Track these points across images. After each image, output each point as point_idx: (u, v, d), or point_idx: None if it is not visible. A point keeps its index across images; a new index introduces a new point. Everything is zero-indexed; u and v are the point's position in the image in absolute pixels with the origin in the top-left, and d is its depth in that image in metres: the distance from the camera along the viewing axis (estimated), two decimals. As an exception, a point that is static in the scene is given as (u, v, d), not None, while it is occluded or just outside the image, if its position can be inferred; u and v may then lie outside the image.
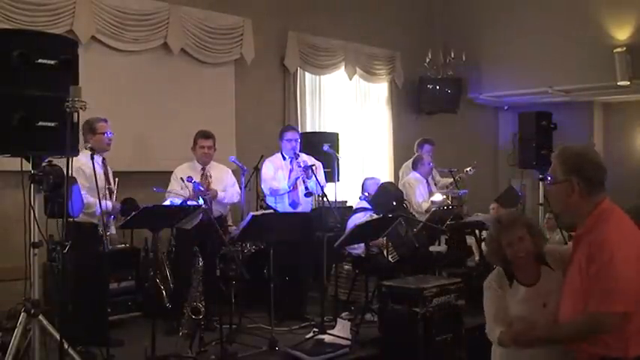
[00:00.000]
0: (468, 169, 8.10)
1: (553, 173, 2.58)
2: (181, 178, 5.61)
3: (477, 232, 6.68)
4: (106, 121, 5.19)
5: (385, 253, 6.19)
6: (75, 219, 4.79)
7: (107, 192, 5.16)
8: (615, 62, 8.59)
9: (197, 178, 5.66)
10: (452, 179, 7.96)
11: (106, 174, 5.21)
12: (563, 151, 2.59)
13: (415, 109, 10.01)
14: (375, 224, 5.82)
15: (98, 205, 4.77)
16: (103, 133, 5.14)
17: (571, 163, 2.52)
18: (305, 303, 6.19)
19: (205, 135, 5.86)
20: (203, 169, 5.84)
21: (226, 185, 5.93)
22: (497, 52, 9.84)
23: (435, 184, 7.80)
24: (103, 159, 5.23)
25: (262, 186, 6.37)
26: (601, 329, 2.45)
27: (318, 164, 6.31)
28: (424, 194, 7.26)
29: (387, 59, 9.44)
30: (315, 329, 5.47)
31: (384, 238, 6.07)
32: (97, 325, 4.93)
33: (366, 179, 6.93)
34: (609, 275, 2.38)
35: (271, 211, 6.10)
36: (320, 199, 6.17)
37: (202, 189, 5.58)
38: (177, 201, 5.55)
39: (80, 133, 4.91)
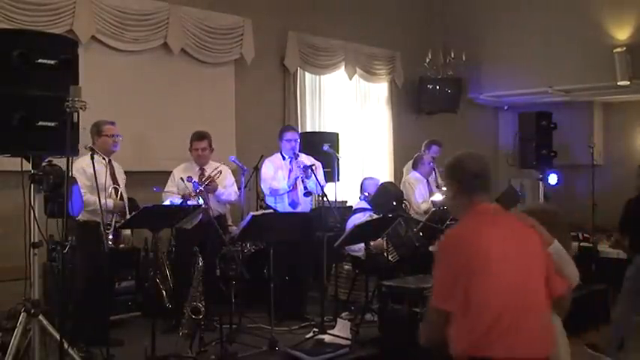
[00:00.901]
0: None
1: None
2: (181, 178, 5.63)
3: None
4: (113, 123, 5.23)
5: (385, 253, 6.19)
6: (80, 218, 4.85)
7: (113, 191, 5.18)
8: (615, 62, 8.58)
9: (195, 179, 5.66)
10: None
11: (112, 174, 5.23)
12: (449, 159, 2.82)
13: (415, 109, 10.01)
14: (375, 224, 5.82)
15: (98, 204, 4.79)
16: (108, 135, 5.17)
17: (448, 169, 2.78)
18: (305, 303, 6.19)
19: (199, 137, 5.86)
20: (201, 169, 5.85)
21: (225, 184, 5.93)
22: (497, 52, 9.84)
23: (438, 186, 7.75)
24: (110, 160, 5.24)
25: (262, 186, 6.38)
26: (430, 321, 2.63)
27: (318, 164, 6.31)
28: (424, 194, 7.26)
29: (387, 59, 9.44)
30: (315, 329, 5.47)
31: (384, 240, 6.07)
32: (98, 324, 4.94)
33: (365, 179, 6.93)
34: (434, 270, 2.60)
35: (271, 211, 6.10)
36: (320, 199, 6.18)
37: (202, 188, 5.58)
38: (178, 201, 5.56)
39: (88, 134, 5.00)
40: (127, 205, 5.41)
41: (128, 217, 5.27)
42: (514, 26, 9.59)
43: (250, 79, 7.81)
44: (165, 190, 5.80)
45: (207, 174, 5.78)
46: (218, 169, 5.80)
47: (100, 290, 5.03)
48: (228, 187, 5.94)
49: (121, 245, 5.26)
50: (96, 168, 4.71)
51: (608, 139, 10.44)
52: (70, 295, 4.55)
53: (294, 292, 6.13)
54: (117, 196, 5.21)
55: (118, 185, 5.27)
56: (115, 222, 5.07)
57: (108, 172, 5.16)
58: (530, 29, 9.37)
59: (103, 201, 4.81)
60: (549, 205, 3.06)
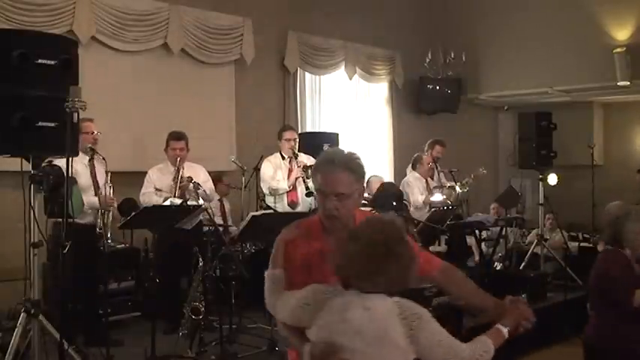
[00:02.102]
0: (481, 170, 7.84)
1: None
2: (190, 183, 5.63)
3: (476, 232, 6.69)
4: (91, 120, 5.17)
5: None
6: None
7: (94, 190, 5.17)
8: (615, 62, 8.59)
9: (169, 180, 5.67)
10: (465, 180, 7.81)
11: (92, 172, 5.20)
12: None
13: (415, 109, 10.01)
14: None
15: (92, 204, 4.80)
16: (87, 133, 5.12)
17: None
18: (305, 303, 6.17)
19: (177, 137, 5.81)
20: (177, 170, 5.81)
21: (200, 182, 5.89)
22: (497, 52, 9.84)
23: (441, 186, 7.70)
24: (90, 158, 5.20)
25: (262, 186, 6.38)
26: None
27: (318, 164, 6.30)
28: (423, 194, 7.25)
29: (387, 59, 9.43)
30: (315, 329, 5.46)
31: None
32: (90, 324, 4.93)
33: (371, 177, 6.93)
34: None
35: (271, 211, 6.10)
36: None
37: (204, 191, 5.60)
38: (177, 201, 5.55)
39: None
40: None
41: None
42: (514, 26, 9.60)
43: (250, 79, 7.81)
44: (143, 191, 5.72)
45: (181, 175, 5.74)
46: (190, 166, 5.79)
47: (87, 290, 5.00)
48: (203, 183, 5.90)
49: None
50: (78, 167, 4.71)
51: (608, 139, 10.45)
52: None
53: (294, 292, 6.11)
54: (98, 194, 5.17)
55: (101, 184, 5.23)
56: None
57: (89, 171, 5.15)
58: (530, 29, 9.37)
59: (86, 199, 4.79)
60: (394, 219, 2.26)
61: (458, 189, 7.46)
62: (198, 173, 5.92)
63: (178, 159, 5.71)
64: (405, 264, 2.09)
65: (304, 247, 2.42)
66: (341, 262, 2.12)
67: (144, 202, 5.63)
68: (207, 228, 5.35)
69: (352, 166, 2.46)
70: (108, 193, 5.21)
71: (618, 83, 8.68)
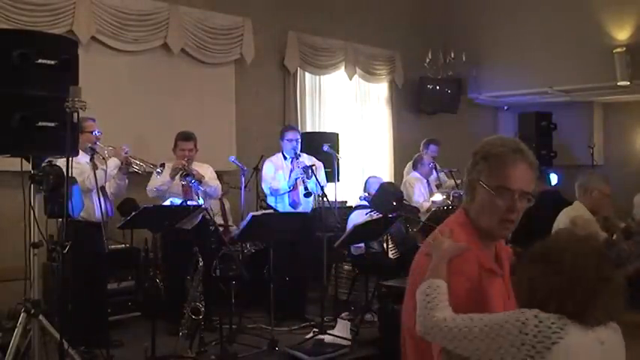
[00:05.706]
0: None
1: None
2: (179, 175, 5.65)
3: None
4: (93, 120, 5.18)
5: (385, 246, 6.20)
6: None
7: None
8: (615, 62, 8.58)
9: (177, 180, 5.67)
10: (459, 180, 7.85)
11: (94, 171, 5.20)
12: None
13: (415, 109, 10.01)
14: (375, 224, 5.82)
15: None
16: (90, 132, 5.13)
17: None
18: (305, 303, 6.19)
19: (186, 137, 5.80)
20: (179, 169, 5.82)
21: (207, 179, 5.90)
22: (497, 52, 9.83)
23: (439, 186, 7.72)
24: (91, 158, 5.20)
25: (262, 186, 6.38)
26: None
27: (318, 164, 6.32)
28: (424, 194, 7.26)
29: (387, 59, 9.43)
30: (315, 329, 5.47)
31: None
32: (92, 325, 4.93)
33: (369, 177, 6.92)
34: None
35: (271, 211, 6.10)
36: (320, 199, 6.18)
37: (195, 184, 5.60)
38: (178, 201, 5.56)
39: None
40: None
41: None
42: (514, 26, 9.59)
43: (250, 79, 7.81)
44: (150, 186, 5.73)
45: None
46: (199, 166, 5.81)
47: (90, 291, 5.00)
48: (211, 180, 5.90)
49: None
50: (83, 167, 4.71)
51: (608, 139, 10.44)
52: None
53: (294, 292, 6.13)
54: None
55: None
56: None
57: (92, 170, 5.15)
58: (530, 29, 9.36)
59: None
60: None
61: (462, 192, 7.44)
62: (206, 172, 5.93)
63: (200, 164, 5.79)
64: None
65: (474, 265, 1.82)
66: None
67: (150, 189, 5.67)
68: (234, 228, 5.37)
69: (535, 160, 1.92)
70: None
71: (618, 83, 8.67)
